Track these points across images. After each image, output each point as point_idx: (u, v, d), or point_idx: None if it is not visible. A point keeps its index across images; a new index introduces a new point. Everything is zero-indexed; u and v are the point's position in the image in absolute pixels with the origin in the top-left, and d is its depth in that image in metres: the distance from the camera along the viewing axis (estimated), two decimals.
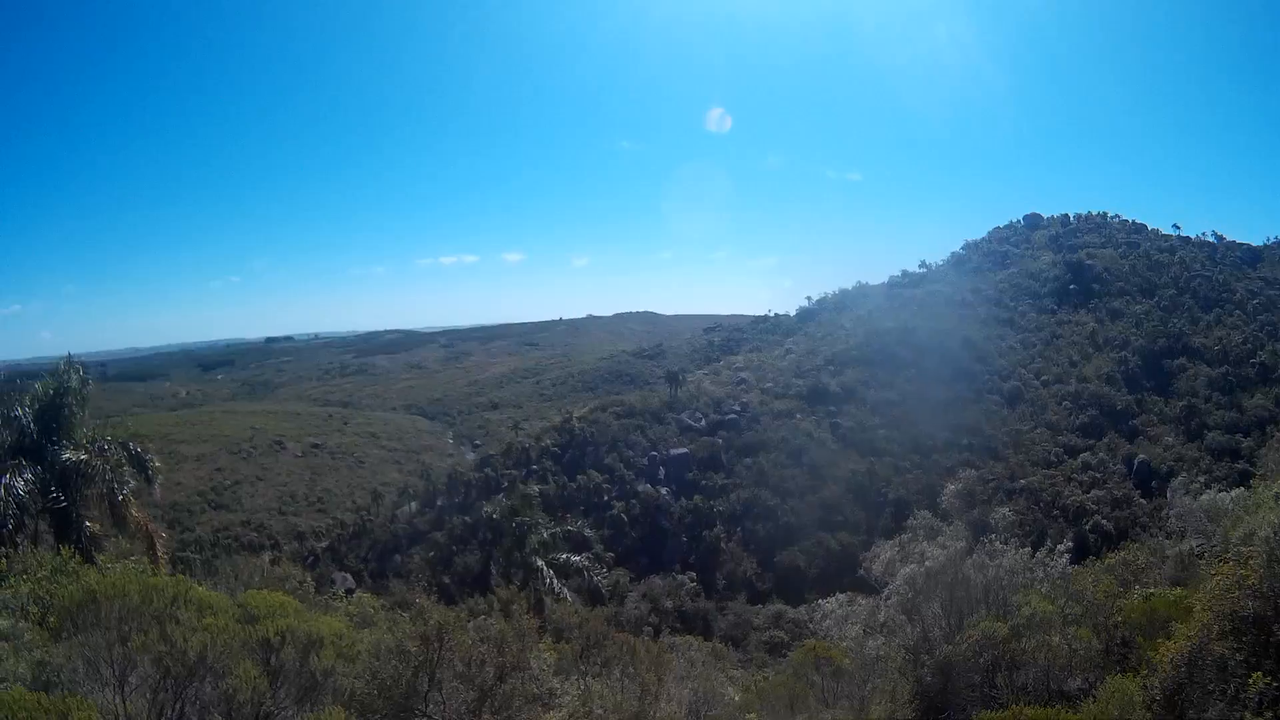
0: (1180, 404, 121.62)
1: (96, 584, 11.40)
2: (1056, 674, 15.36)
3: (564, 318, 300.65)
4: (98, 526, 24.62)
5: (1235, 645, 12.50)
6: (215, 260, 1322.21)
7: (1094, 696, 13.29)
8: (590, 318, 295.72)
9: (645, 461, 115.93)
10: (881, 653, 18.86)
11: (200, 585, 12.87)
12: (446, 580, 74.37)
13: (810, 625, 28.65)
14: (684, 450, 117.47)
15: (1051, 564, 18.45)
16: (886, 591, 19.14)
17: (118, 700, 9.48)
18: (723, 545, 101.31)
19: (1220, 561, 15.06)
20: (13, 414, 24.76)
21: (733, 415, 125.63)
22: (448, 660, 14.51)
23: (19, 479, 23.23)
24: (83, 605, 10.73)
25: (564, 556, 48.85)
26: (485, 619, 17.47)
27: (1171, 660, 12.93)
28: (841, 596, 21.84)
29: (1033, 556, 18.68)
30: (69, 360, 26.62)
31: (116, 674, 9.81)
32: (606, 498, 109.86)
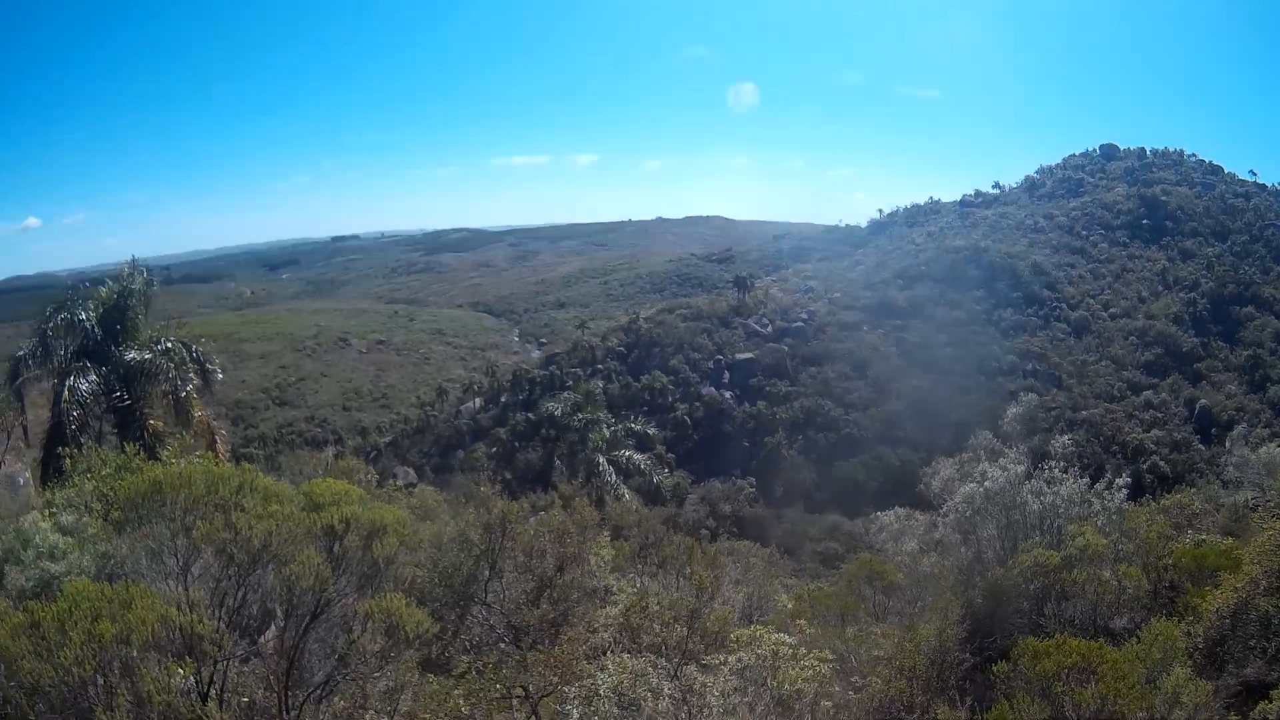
0: (1245, 353, 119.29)
1: (161, 475, 11.08)
2: (1104, 610, 15.44)
3: (633, 219, 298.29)
4: (161, 424, 25.50)
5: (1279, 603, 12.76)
6: (282, 161, 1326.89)
7: (1138, 637, 13.13)
8: (660, 220, 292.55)
9: (710, 365, 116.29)
10: (935, 571, 19.18)
11: (264, 476, 13.34)
12: (509, 476, 74.77)
13: (865, 538, 28.98)
14: (749, 356, 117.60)
15: (1108, 498, 18.44)
16: (944, 509, 19.13)
17: (180, 589, 9.50)
18: (783, 453, 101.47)
19: (1274, 517, 15.46)
20: (77, 318, 25.56)
21: (799, 324, 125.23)
22: (509, 550, 15.26)
23: (83, 380, 24.16)
24: (147, 496, 10.55)
25: (625, 455, 49.19)
26: (547, 512, 17.91)
27: (1217, 611, 13.39)
28: (899, 511, 22.23)
29: (1090, 489, 18.61)
30: (132, 263, 27.36)
31: (180, 564, 9.91)
32: (670, 400, 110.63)
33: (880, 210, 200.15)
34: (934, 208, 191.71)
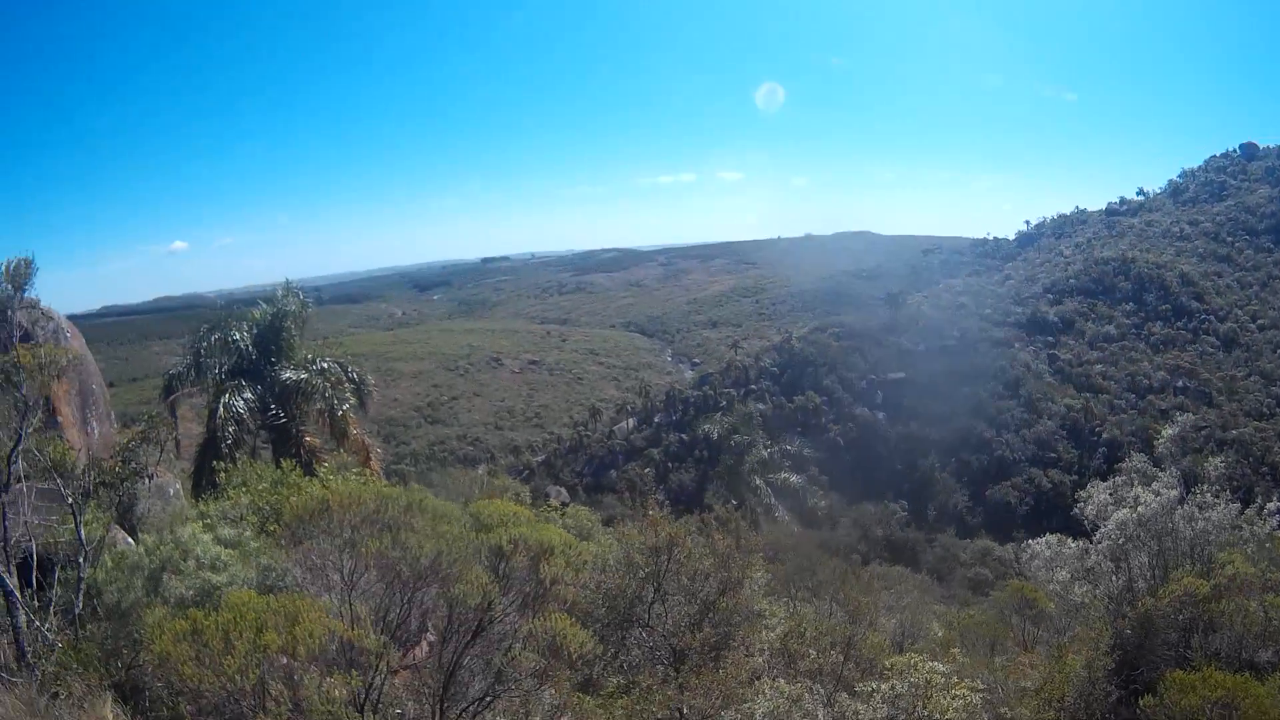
0: None
1: (330, 493, 11.57)
2: (1250, 642, 14.79)
3: (782, 236, 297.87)
4: (317, 441, 26.20)
5: None
6: (431, 183, 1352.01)
7: None
8: (809, 237, 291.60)
9: (863, 385, 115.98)
10: (1085, 600, 18.57)
11: (433, 497, 13.53)
12: (661, 497, 75.38)
13: (1016, 565, 28.57)
14: (902, 375, 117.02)
15: (1258, 524, 17.66)
16: (1097, 536, 18.91)
17: (344, 604, 9.77)
18: (936, 475, 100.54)
19: None
20: (231, 338, 26.45)
21: (951, 341, 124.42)
22: (674, 573, 15.25)
23: (238, 398, 24.95)
24: (315, 513, 10.95)
25: (782, 477, 49.20)
26: (713, 535, 17.84)
27: None
28: (1050, 538, 21.85)
29: (1240, 514, 17.84)
30: (287, 285, 28.21)
31: (345, 579, 10.15)
32: (824, 420, 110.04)
33: (1027, 221, 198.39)
34: (1080, 217, 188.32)
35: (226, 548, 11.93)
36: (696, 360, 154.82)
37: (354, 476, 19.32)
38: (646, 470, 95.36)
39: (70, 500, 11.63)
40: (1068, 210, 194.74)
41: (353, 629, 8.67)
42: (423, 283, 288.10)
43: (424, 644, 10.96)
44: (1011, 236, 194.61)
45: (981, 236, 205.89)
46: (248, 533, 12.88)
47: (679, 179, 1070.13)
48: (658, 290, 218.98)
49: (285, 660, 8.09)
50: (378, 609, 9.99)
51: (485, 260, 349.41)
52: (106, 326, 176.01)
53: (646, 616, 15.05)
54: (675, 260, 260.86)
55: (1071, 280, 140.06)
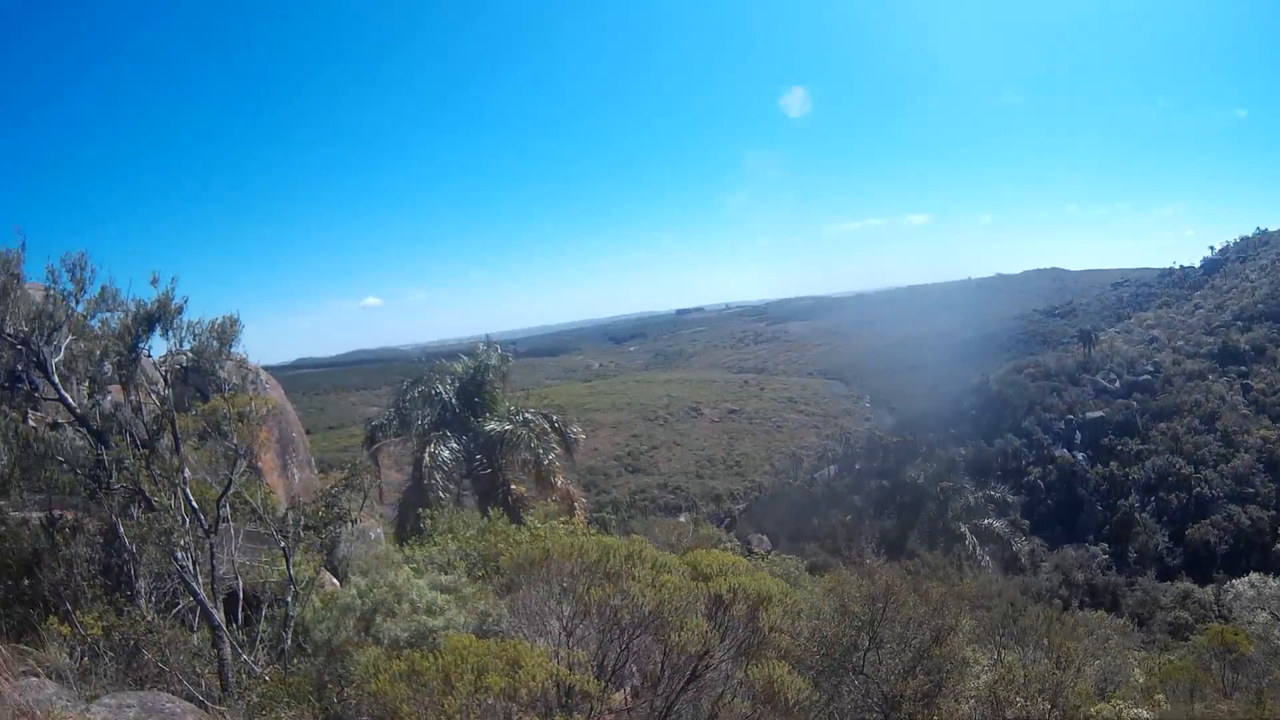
0: None
1: (552, 542, 12.00)
2: None
3: (972, 277, 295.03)
4: (523, 490, 26.75)
5: None
6: (624, 237, 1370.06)
7: None
8: (999, 276, 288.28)
9: (1061, 425, 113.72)
10: None
11: (652, 547, 13.71)
12: (863, 545, 74.70)
13: (1216, 607, 27.74)
14: (1099, 414, 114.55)
15: None
16: None
17: (562, 649, 9.84)
18: (1136, 516, 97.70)
19: None
20: (434, 391, 27.34)
21: (1146, 376, 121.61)
22: (889, 621, 14.97)
23: (444, 448, 25.71)
24: (536, 561, 11.23)
25: (986, 523, 48.29)
26: (924, 582, 17.71)
27: None
28: (1252, 576, 21.03)
29: None
30: (487, 340, 29.18)
31: (563, 625, 10.34)
32: (1023, 463, 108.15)
33: (1211, 247, 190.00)
34: (1263, 239, 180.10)
35: (442, 593, 12.20)
36: (894, 405, 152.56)
37: (561, 525, 19.44)
38: (848, 517, 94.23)
39: (282, 543, 12.43)
40: (1249, 232, 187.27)
41: (573, 674, 8.77)
42: (618, 335, 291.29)
43: (626, 690, 10.91)
44: (1197, 264, 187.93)
45: (1168, 266, 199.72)
46: (464, 578, 13.13)
47: (866, 224, 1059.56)
48: (853, 336, 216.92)
49: (504, 704, 8.17)
50: (595, 655, 10.02)
51: (680, 311, 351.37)
52: (302, 378, 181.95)
53: (861, 664, 14.71)
54: (868, 306, 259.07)
55: (1259, 305, 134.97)
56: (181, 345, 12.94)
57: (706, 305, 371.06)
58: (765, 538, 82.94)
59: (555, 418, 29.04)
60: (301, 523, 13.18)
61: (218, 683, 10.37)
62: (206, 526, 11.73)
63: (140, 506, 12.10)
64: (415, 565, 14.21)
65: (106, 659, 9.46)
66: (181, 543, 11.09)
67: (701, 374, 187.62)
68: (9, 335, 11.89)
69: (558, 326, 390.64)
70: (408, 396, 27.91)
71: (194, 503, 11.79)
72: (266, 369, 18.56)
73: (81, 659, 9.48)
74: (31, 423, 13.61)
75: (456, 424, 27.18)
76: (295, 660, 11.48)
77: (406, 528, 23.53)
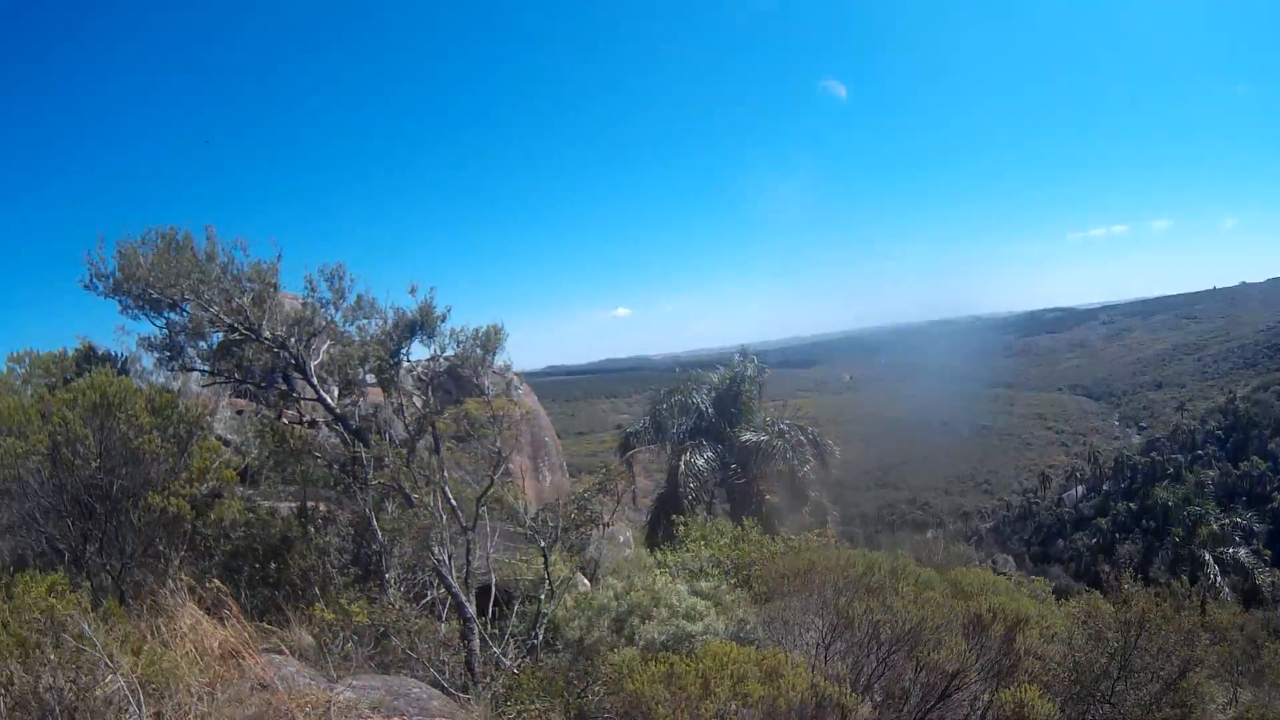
0: None
1: (816, 555, 12.17)
2: None
3: (1217, 286, 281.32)
4: (776, 500, 26.33)
5: None
6: (874, 247, 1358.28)
7: None
8: (1243, 285, 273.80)
9: None
10: None
11: (915, 563, 13.46)
12: (1106, 569, 71.74)
13: None
14: None
15: None
16: None
17: (819, 661, 9.88)
18: None
19: None
20: (691, 401, 27.22)
21: None
22: (1141, 649, 14.25)
23: (699, 456, 25.60)
24: (800, 572, 11.40)
25: (1230, 551, 46.17)
26: (1176, 611, 17.02)
27: None
28: None
29: None
30: (743, 351, 28.95)
31: (822, 638, 10.34)
32: (1268, 488, 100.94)
33: None
34: None
35: (702, 599, 11.94)
36: (1143, 424, 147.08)
37: (814, 537, 18.96)
38: (1093, 540, 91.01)
39: (542, 542, 12.64)
40: None
41: (833, 686, 8.55)
42: (869, 347, 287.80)
43: (867, 704, 10.32)
44: None
45: None
46: (724, 585, 12.91)
47: (1110, 231, 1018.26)
48: (1102, 350, 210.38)
49: (761, 712, 8.04)
50: (854, 668, 10.02)
51: (931, 323, 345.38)
52: (553, 384, 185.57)
53: (1109, 693, 14.02)
54: (1116, 318, 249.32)
55: None
56: (444, 352, 13.26)
57: (955, 317, 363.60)
58: (1010, 559, 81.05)
59: (811, 429, 28.65)
60: (560, 524, 13.32)
61: (463, 672, 10.51)
62: (465, 524, 11.88)
63: (395, 502, 12.51)
64: (666, 570, 14.34)
65: (352, 642, 9.57)
66: (439, 537, 11.39)
67: (952, 387, 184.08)
68: (266, 339, 12.35)
69: (810, 337, 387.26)
70: (664, 405, 28.05)
71: (452, 500, 11.98)
72: (519, 374, 18.71)
73: (327, 641, 9.60)
74: (285, 420, 14.06)
75: (712, 433, 27.17)
76: (543, 656, 11.47)
77: (658, 533, 23.65)
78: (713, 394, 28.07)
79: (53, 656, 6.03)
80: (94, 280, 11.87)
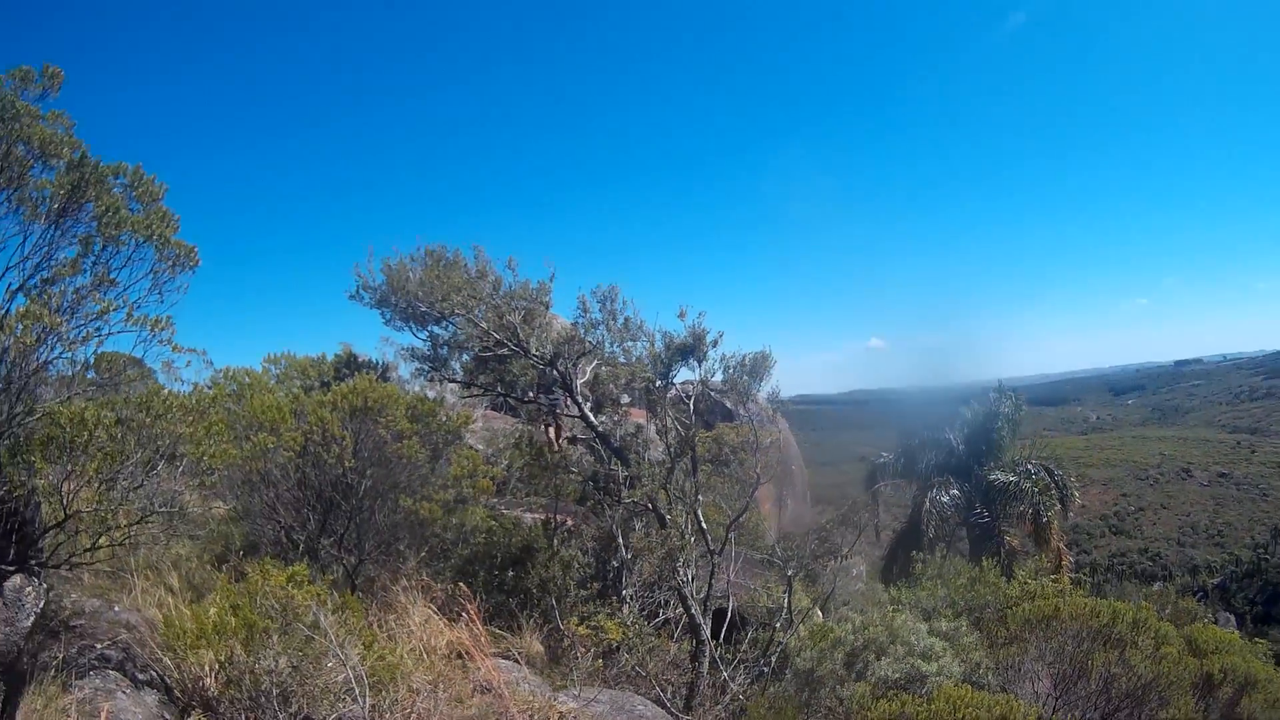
0: None
1: (1060, 600, 11.79)
2: None
3: None
4: (1017, 543, 25.20)
5: None
6: (1125, 283, 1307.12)
7: None
8: None
9: None
10: None
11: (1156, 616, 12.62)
12: None
13: None
14: None
15: None
16: None
17: (1047, 711, 9.67)
18: None
19: None
20: (942, 436, 26.22)
21: None
22: None
23: (945, 494, 24.69)
24: (1046, 617, 11.02)
25: None
26: None
27: None
28: None
29: None
30: (999, 387, 27.74)
31: (1055, 687, 10.08)
32: None
33: None
34: None
35: (940, 639, 11.36)
36: None
37: (1050, 584, 17.87)
38: None
39: (788, 572, 12.44)
40: None
41: None
42: (1117, 386, 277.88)
43: None
44: None
45: None
46: (963, 626, 12.21)
47: None
48: None
49: None
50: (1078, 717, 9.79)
51: (1178, 363, 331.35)
52: (801, 413, 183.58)
53: None
54: None
55: None
56: (712, 376, 12.88)
57: (1205, 356, 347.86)
58: (1232, 617, 76.83)
59: (1057, 473, 27.11)
60: (805, 556, 13.32)
61: (688, 693, 10.38)
62: (711, 546, 11.78)
63: (644, 521, 12.53)
64: (901, 607, 13.67)
65: (581, 653, 9.25)
66: (685, 558, 11.26)
67: (1195, 431, 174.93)
68: (534, 356, 12.59)
69: (1059, 375, 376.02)
70: (914, 439, 27.05)
71: (703, 523, 11.92)
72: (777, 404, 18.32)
73: (557, 651, 9.74)
74: (545, 435, 14.10)
75: (960, 470, 26.24)
76: (772, 684, 11.06)
77: (894, 568, 22.86)
78: (965, 430, 27.02)
79: (276, 642, 6.06)
80: (361, 291, 12.31)
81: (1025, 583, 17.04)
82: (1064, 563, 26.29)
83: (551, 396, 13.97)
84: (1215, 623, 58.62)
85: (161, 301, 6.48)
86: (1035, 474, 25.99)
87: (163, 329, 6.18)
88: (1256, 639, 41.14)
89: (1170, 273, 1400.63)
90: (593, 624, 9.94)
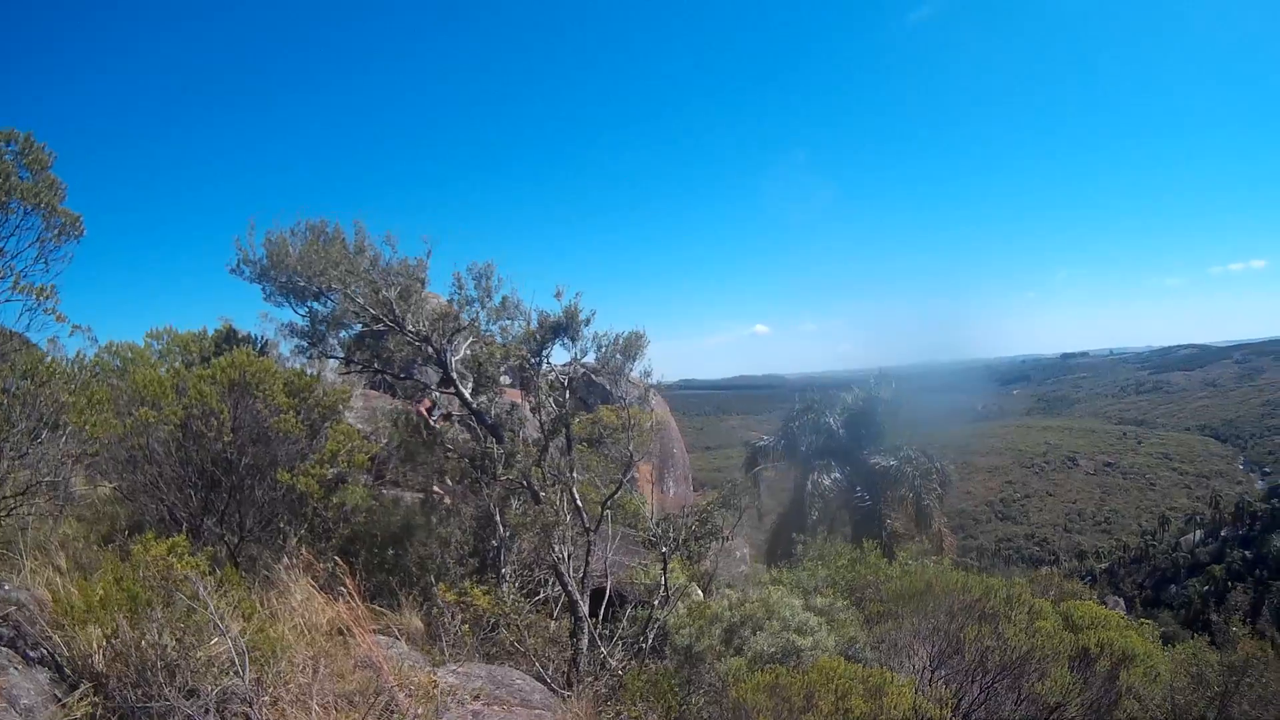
0: None
1: (934, 576, 11.98)
2: None
3: None
4: (899, 526, 25.84)
5: None
6: (1015, 276, 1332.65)
7: None
8: None
9: None
10: None
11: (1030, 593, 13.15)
12: (1215, 617, 69.66)
13: None
14: None
15: None
16: None
17: (924, 684, 9.69)
18: None
19: None
20: (823, 420, 26.83)
21: None
22: (1242, 695, 14.10)
23: (827, 477, 25.19)
24: (917, 594, 11.28)
25: None
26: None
27: None
28: None
29: None
30: (880, 373, 28.46)
31: (930, 660, 10.24)
32: None
33: None
34: None
35: (815, 614, 11.65)
36: (1268, 469, 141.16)
37: (932, 565, 18.60)
38: (1205, 588, 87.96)
39: (663, 549, 12.54)
40: None
41: (937, 710, 8.52)
42: (1004, 376, 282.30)
43: None
44: None
45: None
46: (839, 603, 12.53)
47: (1249, 266, 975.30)
48: (1233, 390, 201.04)
49: None
50: (956, 692, 9.87)
51: (1065, 356, 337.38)
52: (685, 398, 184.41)
53: None
54: (1251, 357, 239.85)
55: None
56: (585, 356, 13.21)
57: (1092, 350, 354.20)
58: (1120, 600, 79.03)
59: (937, 458, 27.95)
60: (681, 535, 13.28)
61: (567, 669, 10.54)
62: (588, 525, 11.90)
63: (520, 499, 12.55)
64: (782, 587, 13.77)
65: (459, 630, 9.50)
66: (561, 536, 11.39)
67: (1082, 423, 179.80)
68: (410, 332, 12.68)
69: (947, 363, 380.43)
70: (795, 423, 27.64)
71: (579, 501, 11.97)
72: (652, 386, 18.76)
73: (437, 627, 9.69)
74: (419, 412, 14.23)
75: (841, 454, 26.84)
76: (650, 661, 11.27)
77: (778, 551, 23.37)
78: (845, 414, 27.55)
79: (160, 614, 6.10)
80: (241, 265, 12.38)
81: (906, 564, 17.56)
82: (947, 545, 27.06)
83: (425, 373, 14.17)
84: (1104, 605, 60.38)
85: (47, 271, 6.57)
86: (916, 459, 26.76)
87: (47, 298, 6.22)
88: (1144, 621, 42.73)
89: (1062, 265, 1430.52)
90: (461, 590, 10.15)
